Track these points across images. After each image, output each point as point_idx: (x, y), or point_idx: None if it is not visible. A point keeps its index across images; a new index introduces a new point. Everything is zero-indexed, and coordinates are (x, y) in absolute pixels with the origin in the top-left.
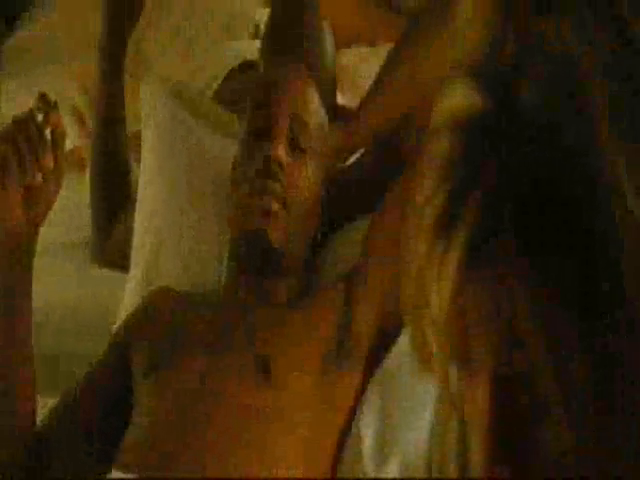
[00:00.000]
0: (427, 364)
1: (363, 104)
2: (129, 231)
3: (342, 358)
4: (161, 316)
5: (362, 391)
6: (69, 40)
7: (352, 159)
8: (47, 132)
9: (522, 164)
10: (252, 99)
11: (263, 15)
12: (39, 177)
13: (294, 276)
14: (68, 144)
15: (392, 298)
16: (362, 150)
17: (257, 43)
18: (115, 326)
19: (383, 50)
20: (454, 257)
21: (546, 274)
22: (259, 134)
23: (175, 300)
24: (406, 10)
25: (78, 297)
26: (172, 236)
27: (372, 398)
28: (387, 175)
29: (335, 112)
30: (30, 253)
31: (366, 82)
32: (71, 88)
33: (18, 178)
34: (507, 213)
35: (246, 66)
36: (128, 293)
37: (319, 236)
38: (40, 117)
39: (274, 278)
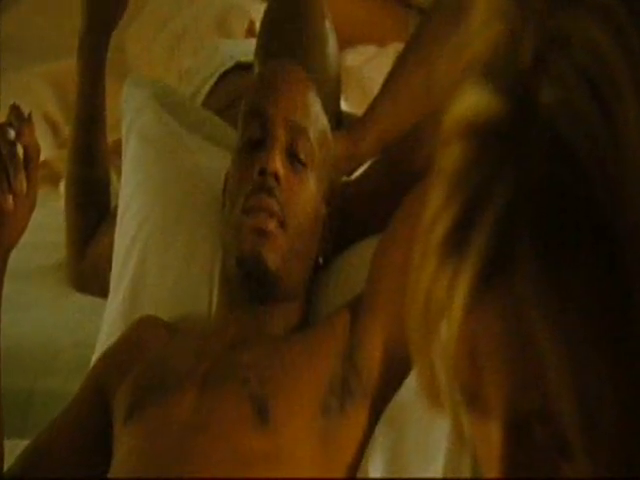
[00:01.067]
0: (436, 401)
1: (370, 110)
2: (108, 251)
3: (347, 395)
4: (145, 349)
5: (369, 431)
6: (39, 39)
7: (358, 172)
8: (19, 149)
9: (543, 173)
10: (246, 105)
11: (259, 10)
12: (10, 199)
13: (293, 304)
14: (41, 156)
15: (402, 327)
16: (369, 162)
17: (252, 42)
18: (94, 359)
19: (392, 50)
20: (466, 278)
21: (569, 298)
22: (253, 144)
23: (161, 330)
24: (417, 5)
25: (52, 327)
26: (158, 258)
27: (381, 438)
28: (397, 190)
29: (339, 119)
30: None
31: (373, 85)
32: (43, 92)
33: None
34: (525, 228)
35: (240, 68)
36: (107, 322)
37: (321, 259)
38: (12, 133)
39: (270, 306)
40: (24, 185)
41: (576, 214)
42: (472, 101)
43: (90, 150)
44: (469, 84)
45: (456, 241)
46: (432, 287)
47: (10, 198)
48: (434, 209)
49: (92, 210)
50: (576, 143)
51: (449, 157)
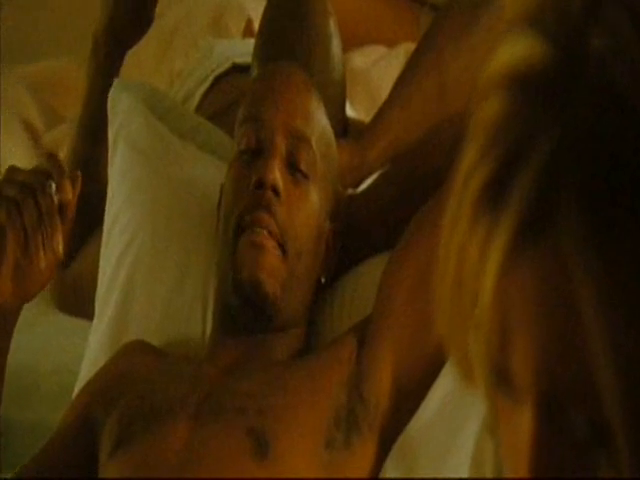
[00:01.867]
0: (470, 381)
1: (378, 116)
2: (90, 269)
3: (353, 428)
4: (133, 376)
5: (377, 467)
6: (17, 38)
7: (365, 184)
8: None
9: (591, 124)
10: (242, 110)
11: (257, 8)
12: (43, 260)
13: (294, 328)
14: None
15: (413, 354)
16: (377, 173)
17: (250, 42)
18: (77, 387)
19: (402, 50)
20: (502, 235)
21: (617, 261)
22: (250, 153)
23: (150, 356)
24: (430, 1)
25: (32, 351)
26: (147, 277)
27: (390, 474)
28: (408, 204)
29: (344, 126)
30: (10, 328)
31: (382, 89)
32: (22, 97)
33: (17, 251)
34: (571, 183)
35: (237, 70)
36: (92, 347)
37: (323, 278)
38: (53, 186)
39: (270, 331)
40: (60, 247)
41: (627, 168)
42: (516, 49)
43: (91, 163)
44: (512, 33)
45: (493, 196)
46: (465, 248)
47: (44, 260)
48: (470, 163)
49: (83, 223)
50: (628, 92)
51: (488, 108)
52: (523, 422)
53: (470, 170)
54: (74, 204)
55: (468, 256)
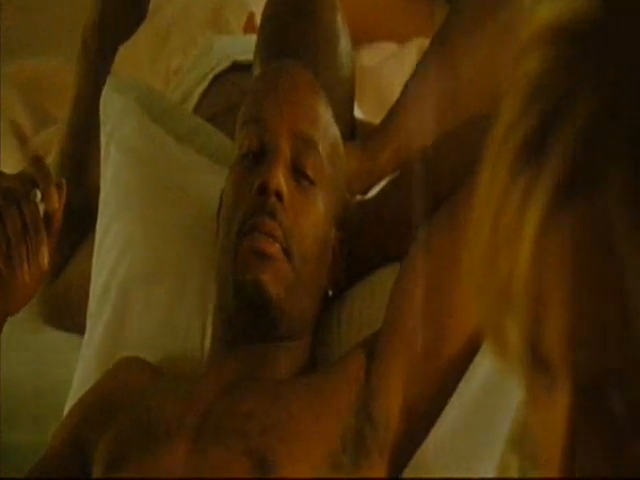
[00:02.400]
0: (504, 360)
1: (389, 118)
2: (80, 281)
3: (361, 451)
4: (128, 395)
5: None
6: (6, 37)
7: (374, 190)
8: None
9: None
10: (244, 112)
11: (259, 2)
12: (28, 274)
13: (298, 342)
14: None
15: (426, 367)
16: (387, 178)
17: (252, 38)
18: (67, 407)
19: (415, 47)
20: (541, 194)
21: None
22: (252, 158)
23: (146, 373)
24: None
25: (20, 367)
26: (142, 288)
27: None
28: (419, 212)
29: (352, 128)
30: None
31: (392, 89)
32: (9, 97)
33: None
34: (616, 140)
35: (238, 68)
36: (83, 364)
37: (330, 290)
38: (38, 194)
39: (273, 344)
40: (45, 260)
41: None
42: (559, 3)
43: (81, 167)
44: None
45: (532, 153)
46: (501, 208)
47: (28, 272)
48: (509, 120)
49: (73, 232)
50: None
51: (530, 63)
52: (558, 403)
53: (509, 126)
54: (61, 213)
55: (503, 220)
